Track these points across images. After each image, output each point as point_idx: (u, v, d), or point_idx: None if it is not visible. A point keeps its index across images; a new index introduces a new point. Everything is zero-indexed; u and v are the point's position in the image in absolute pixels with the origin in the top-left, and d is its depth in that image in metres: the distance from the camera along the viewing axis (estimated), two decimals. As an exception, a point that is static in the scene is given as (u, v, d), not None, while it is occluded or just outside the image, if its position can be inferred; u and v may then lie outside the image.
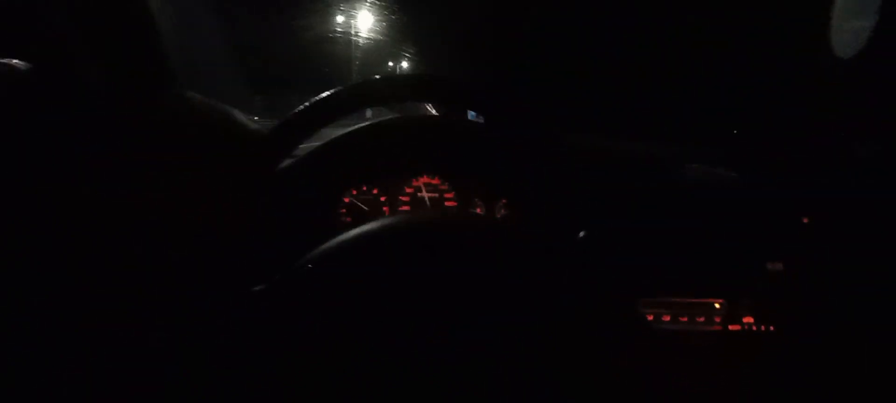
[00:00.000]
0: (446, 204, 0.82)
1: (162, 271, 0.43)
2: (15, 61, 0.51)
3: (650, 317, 0.71)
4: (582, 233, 0.47)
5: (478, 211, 0.81)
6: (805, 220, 0.73)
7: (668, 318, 0.71)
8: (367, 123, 0.74)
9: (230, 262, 0.40)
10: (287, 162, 0.71)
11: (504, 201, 0.80)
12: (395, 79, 0.49)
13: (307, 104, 0.48)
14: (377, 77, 0.55)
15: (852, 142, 0.80)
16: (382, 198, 0.80)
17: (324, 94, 0.50)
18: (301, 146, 0.53)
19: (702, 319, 0.71)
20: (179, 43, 0.72)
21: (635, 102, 1.14)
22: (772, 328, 0.72)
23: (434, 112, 0.92)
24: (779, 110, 0.92)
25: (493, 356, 0.38)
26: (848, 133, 0.78)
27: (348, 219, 0.79)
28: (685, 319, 0.71)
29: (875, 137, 0.75)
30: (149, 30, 0.59)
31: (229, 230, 0.41)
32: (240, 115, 0.61)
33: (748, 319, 0.72)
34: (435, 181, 0.81)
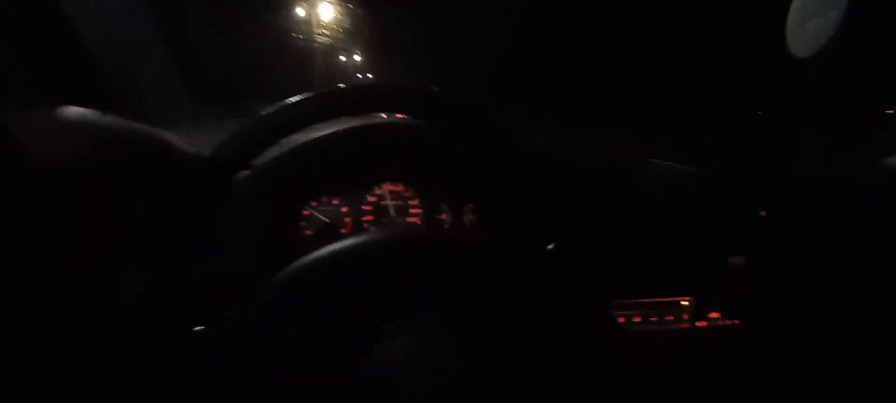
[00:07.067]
0: (411, 211, 0.79)
1: (74, 312, 0.37)
2: None
3: (622, 320, 0.70)
4: (550, 246, 0.45)
5: (444, 217, 0.79)
6: (763, 214, 0.75)
7: (639, 320, 0.71)
8: (326, 131, 0.70)
9: (160, 295, 0.35)
10: (240, 174, 0.66)
11: (470, 205, 0.78)
12: (352, 90, 0.45)
13: (251, 120, 0.44)
14: (332, 87, 0.51)
15: (801, 133, 0.83)
16: (344, 209, 0.77)
17: (269, 109, 0.46)
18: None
19: (671, 318, 0.72)
20: (112, 53, 0.66)
21: (599, 96, 1.16)
22: (736, 322, 0.73)
23: (397, 117, 0.88)
24: (736, 104, 0.94)
25: (467, 376, 0.37)
26: (797, 124, 0.81)
27: (308, 232, 0.75)
28: (655, 319, 0.71)
29: (823, 129, 0.77)
30: (67, 35, 0.53)
31: (158, 261, 0.37)
32: (172, 137, 0.55)
33: (715, 315, 0.73)
34: (399, 188, 0.78)
